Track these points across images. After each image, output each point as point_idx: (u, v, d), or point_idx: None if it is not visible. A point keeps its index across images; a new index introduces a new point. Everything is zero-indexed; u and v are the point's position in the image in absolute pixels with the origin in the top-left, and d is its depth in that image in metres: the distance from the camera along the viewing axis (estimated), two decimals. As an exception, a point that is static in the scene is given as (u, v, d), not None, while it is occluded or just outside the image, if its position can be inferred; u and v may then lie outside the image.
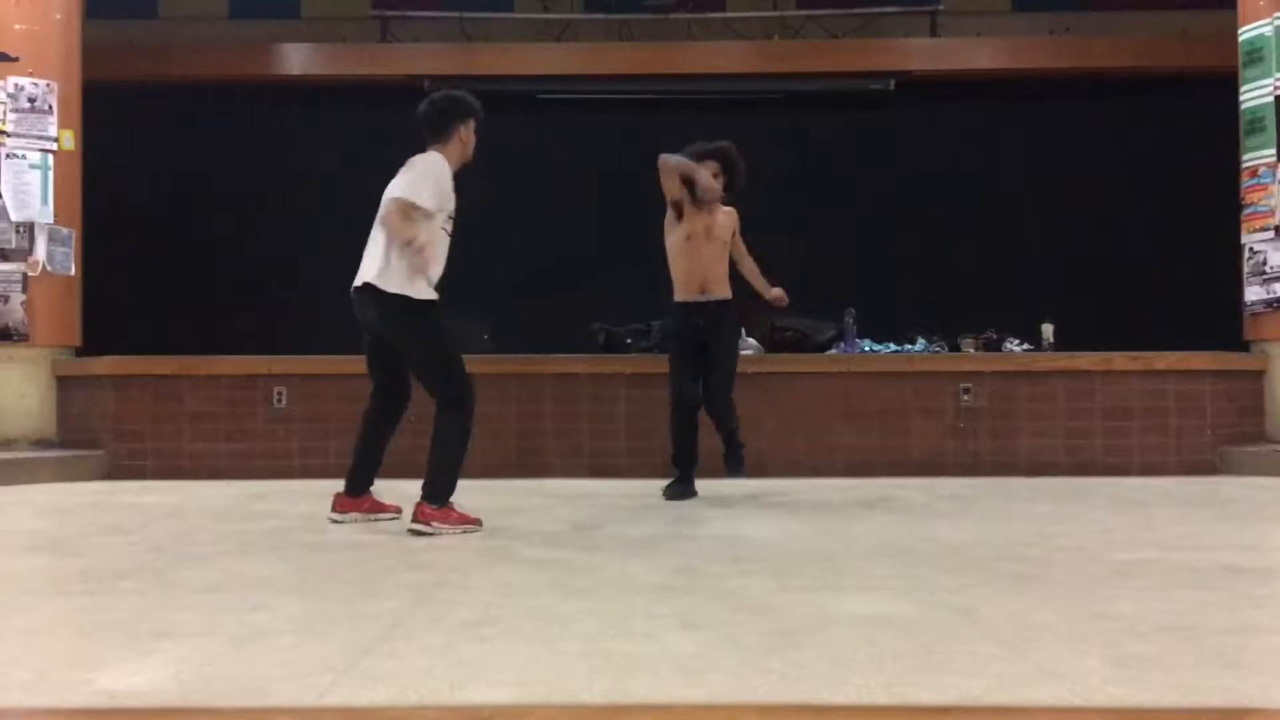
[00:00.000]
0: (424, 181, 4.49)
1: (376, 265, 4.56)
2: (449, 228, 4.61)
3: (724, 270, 5.66)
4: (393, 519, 4.74)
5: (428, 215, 4.47)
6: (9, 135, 6.92)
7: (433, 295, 4.54)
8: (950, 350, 7.48)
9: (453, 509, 4.51)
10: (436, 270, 4.57)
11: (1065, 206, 9.41)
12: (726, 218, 5.70)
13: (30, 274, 6.97)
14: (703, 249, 5.59)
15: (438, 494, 4.48)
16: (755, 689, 2.22)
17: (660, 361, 7.09)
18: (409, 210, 4.43)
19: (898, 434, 6.80)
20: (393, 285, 4.50)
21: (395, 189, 4.55)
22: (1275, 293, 6.89)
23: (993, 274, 9.14)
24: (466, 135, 4.73)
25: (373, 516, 4.78)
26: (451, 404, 4.58)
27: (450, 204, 4.58)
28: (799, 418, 6.83)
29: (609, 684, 2.25)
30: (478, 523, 4.52)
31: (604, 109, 9.48)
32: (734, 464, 5.74)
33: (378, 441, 4.88)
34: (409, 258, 4.41)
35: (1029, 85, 9.41)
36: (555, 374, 6.89)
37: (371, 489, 4.85)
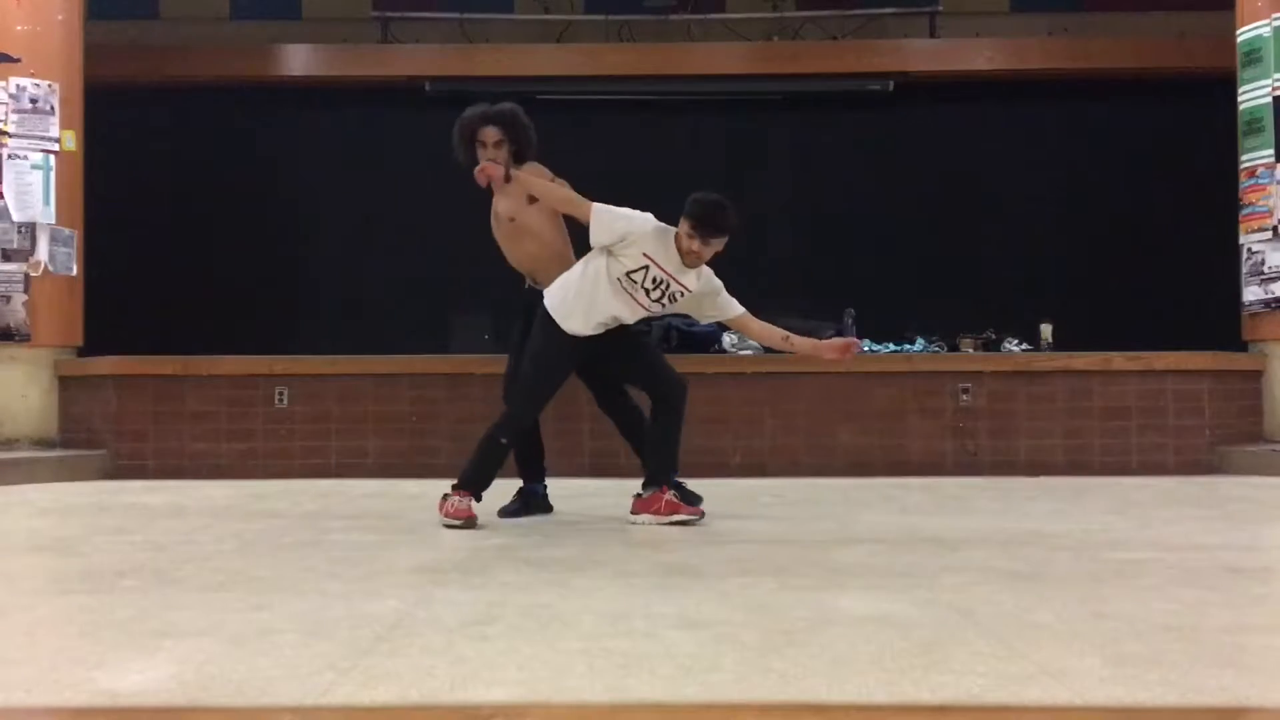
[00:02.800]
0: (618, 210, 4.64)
1: None
2: (629, 288, 4.58)
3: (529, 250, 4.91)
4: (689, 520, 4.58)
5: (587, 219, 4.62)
6: (11, 136, 6.93)
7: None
8: (949, 350, 7.49)
9: (451, 500, 4.58)
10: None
11: (1065, 206, 9.42)
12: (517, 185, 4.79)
13: (32, 274, 6.98)
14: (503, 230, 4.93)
15: (459, 481, 4.63)
16: (755, 688, 2.23)
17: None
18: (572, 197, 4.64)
19: (897, 434, 6.80)
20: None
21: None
22: (1273, 293, 6.90)
23: (992, 274, 9.15)
24: (683, 228, 4.49)
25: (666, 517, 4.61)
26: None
27: (626, 262, 4.57)
28: (799, 418, 6.83)
29: (609, 683, 2.26)
30: (463, 518, 4.52)
31: (604, 110, 9.49)
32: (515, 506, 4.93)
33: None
34: None
35: (1028, 86, 9.41)
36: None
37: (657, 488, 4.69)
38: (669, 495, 4.63)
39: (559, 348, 4.61)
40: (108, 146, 7.94)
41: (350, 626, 2.75)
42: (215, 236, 9.33)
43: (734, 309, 4.72)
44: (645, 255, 4.48)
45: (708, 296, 4.66)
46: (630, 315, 4.62)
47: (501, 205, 4.89)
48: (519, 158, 4.85)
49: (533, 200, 4.82)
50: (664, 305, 4.63)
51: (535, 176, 4.75)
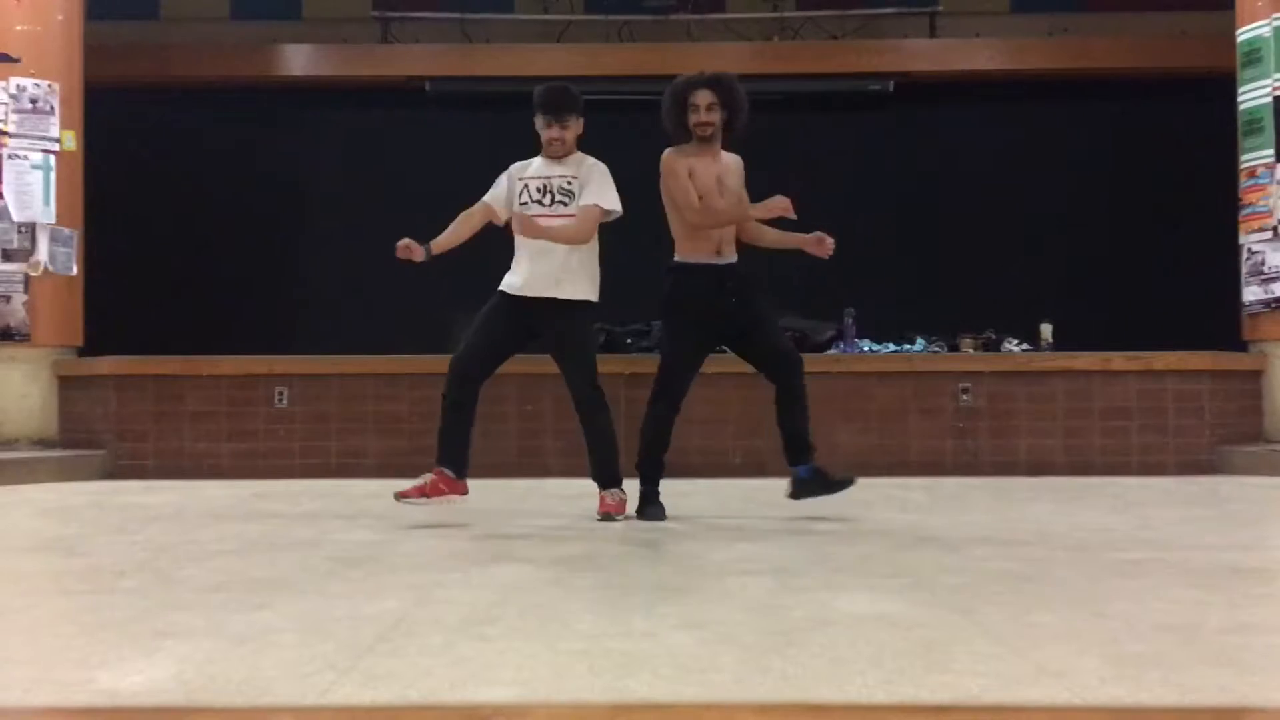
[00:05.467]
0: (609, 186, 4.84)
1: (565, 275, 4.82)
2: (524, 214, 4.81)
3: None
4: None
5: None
6: (11, 136, 6.94)
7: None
8: (949, 350, 7.49)
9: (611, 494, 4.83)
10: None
11: (1065, 206, 9.42)
12: (737, 164, 4.96)
13: (32, 274, 6.98)
14: (713, 199, 4.81)
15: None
16: (755, 688, 2.22)
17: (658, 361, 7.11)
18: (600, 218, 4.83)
19: (897, 434, 6.80)
20: (580, 292, 4.84)
21: (590, 196, 4.79)
22: (1273, 293, 6.90)
23: (992, 274, 9.15)
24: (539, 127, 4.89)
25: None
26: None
27: (513, 199, 4.89)
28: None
29: (609, 683, 2.26)
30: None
31: (604, 110, 9.46)
32: (802, 483, 4.84)
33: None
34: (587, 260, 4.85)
35: (1028, 86, 9.42)
36: (555, 374, 6.86)
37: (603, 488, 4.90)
38: (609, 495, 4.80)
39: (493, 308, 4.86)
40: (108, 146, 7.93)
41: (350, 626, 2.75)
42: (215, 236, 9.33)
43: (592, 197, 4.81)
44: (518, 180, 4.86)
45: (591, 182, 4.83)
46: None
47: (731, 179, 4.93)
48: (730, 128, 4.86)
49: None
50: (564, 203, 4.79)
51: (738, 172, 4.95)
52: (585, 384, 4.87)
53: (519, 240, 4.79)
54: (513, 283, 4.81)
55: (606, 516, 4.73)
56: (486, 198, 4.91)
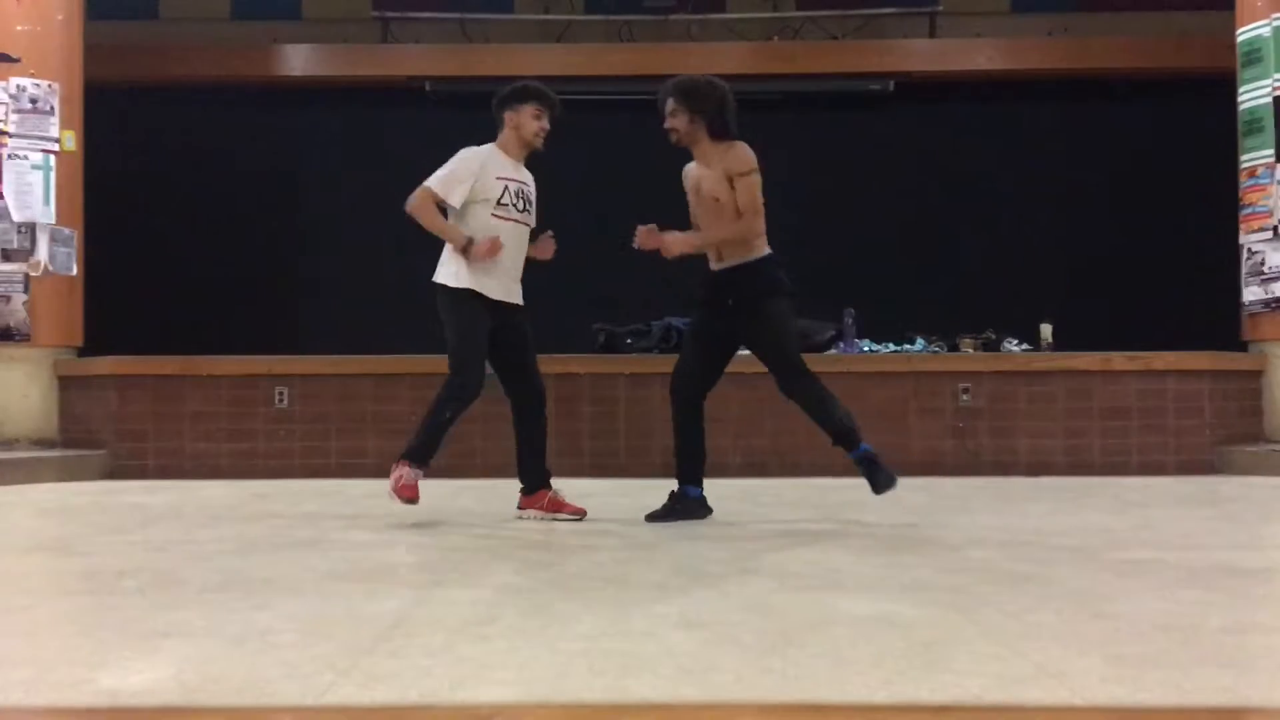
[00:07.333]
0: (441, 170, 4.70)
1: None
2: (504, 214, 4.71)
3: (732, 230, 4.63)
4: (573, 519, 4.74)
5: (443, 202, 4.67)
6: (11, 136, 6.94)
7: (472, 284, 4.67)
8: (949, 350, 7.48)
9: (405, 474, 4.65)
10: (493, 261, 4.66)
11: (1064, 206, 9.42)
12: (718, 163, 4.64)
13: (32, 274, 6.99)
14: (698, 211, 4.78)
15: (407, 453, 4.71)
16: (755, 688, 2.23)
17: (658, 361, 7.12)
18: (419, 194, 4.70)
19: (897, 434, 6.80)
20: (439, 276, 4.77)
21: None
22: (1273, 293, 6.90)
23: (992, 274, 9.15)
24: (515, 119, 4.76)
25: (550, 515, 4.77)
26: (446, 384, 4.77)
27: (491, 193, 4.69)
28: (799, 418, 6.77)
29: (609, 683, 2.26)
30: (413, 498, 4.61)
31: (604, 110, 9.48)
32: (870, 476, 4.76)
33: (524, 440, 4.89)
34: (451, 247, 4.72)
35: (1028, 86, 9.42)
36: (555, 374, 6.88)
37: (549, 487, 4.86)
38: (551, 494, 4.81)
39: (473, 313, 4.69)
40: (108, 146, 7.93)
41: (350, 626, 2.75)
42: (215, 236, 9.33)
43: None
44: (499, 178, 4.69)
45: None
46: (521, 241, 4.79)
47: (705, 184, 4.71)
48: (714, 130, 4.72)
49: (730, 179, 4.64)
50: (530, 212, 4.83)
51: (741, 161, 4.64)
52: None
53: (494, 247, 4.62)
54: (489, 286, 4.70)
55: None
56: (440, 180, 4.67)
